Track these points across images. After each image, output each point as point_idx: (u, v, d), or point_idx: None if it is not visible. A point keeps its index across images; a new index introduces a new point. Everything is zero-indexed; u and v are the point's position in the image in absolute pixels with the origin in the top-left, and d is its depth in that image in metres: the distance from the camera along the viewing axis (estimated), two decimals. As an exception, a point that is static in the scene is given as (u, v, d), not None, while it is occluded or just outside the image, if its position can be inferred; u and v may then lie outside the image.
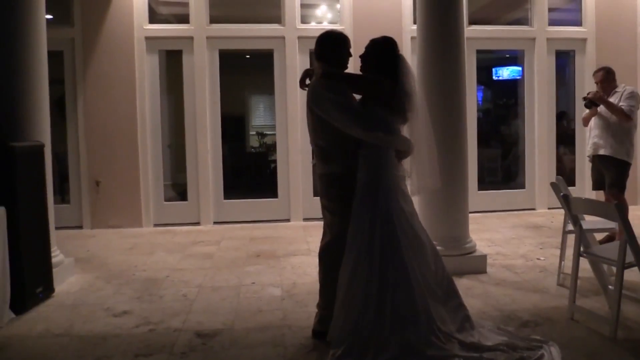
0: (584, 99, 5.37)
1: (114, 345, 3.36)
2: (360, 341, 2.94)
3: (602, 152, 5.29)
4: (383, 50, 3.26)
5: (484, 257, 4.77)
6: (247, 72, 10.12)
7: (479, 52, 7.86)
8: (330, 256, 3.26)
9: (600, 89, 5.39)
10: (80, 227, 7.05)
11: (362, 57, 3.30)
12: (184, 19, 7.20)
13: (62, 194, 7.41)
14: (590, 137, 5.44)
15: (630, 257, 3.23)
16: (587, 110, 5.53)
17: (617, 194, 5.19)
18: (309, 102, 3.26)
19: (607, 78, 5.39)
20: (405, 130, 3.28)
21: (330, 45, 3.31)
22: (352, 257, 3.08)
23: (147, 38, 7.10)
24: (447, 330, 3.03)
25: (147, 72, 7.14)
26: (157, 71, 7.28)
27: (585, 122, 5.60)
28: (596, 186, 5.53)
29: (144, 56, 7.10)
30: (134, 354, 3.21)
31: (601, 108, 5.29)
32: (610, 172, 5.25)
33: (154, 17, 7.22)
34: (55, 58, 7.07)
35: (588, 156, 5.56)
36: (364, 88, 3.30)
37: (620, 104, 5.19)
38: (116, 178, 7.05)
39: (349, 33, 6.28)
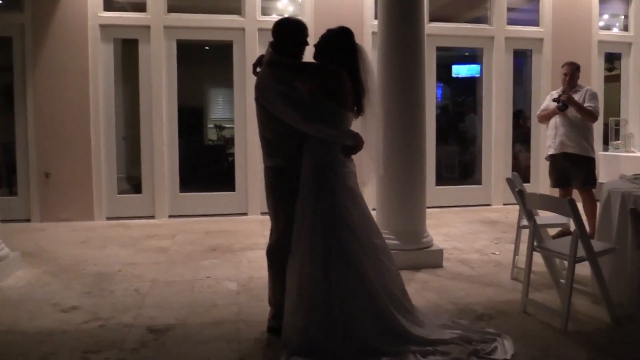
0: (558, 101, 5.41)
1: (61, 341, 3.23)
2: (312, 341, 2.89)
3: (570, 150, 5.40)
4: (339, 40, 3.15)
5: (440, 252, 4.81)
6: (206, 63, 9.97)
7: (439, 49, 7.93)
8: (277, 255, 3.18)
9: (567, 83, 5.50)
10: (29, 220, 6.79)
11: (317, 45, 3.18)
12: (140, 7, 7.00)
13: (10, 185, 7.14)
14: (555, 136, 5.50)
15: (581, 252, 3.30)
16: (543, 108, 5.64)
17: (590, 190, 5.38)
18: (255, 91, 3.14)
19: (575, 74, 5.55)
20: (358, 125, 3.18)
21: (284, 33, 3.17)
22: (297, 256, 3.01)
23: (101, 26, 6.87)
24: (401, 326, 3.01)
25: (101, 61, 6.92)
26: (111, 60, 7.07)
27: (543, 119, 5.71)
28: (558, 184, 5.61)
29: (98, 45, 6.87)
30: (82, 351, 3.09)
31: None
32: (581, 171, 5.38)
33: (109, 5, 6.99)
34: (3, 45, 6.80)
35: (551, 155, 5.60)
36: (310, 77, 3.14)
37: (587, 104, 5.35)
38: (67, 170, 6.81)
39: (309, 26, 6.23)
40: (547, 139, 5.69)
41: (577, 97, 5.40)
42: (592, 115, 5.35)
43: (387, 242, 3.34)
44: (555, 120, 5.52)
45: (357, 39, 3.21)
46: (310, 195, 3.03)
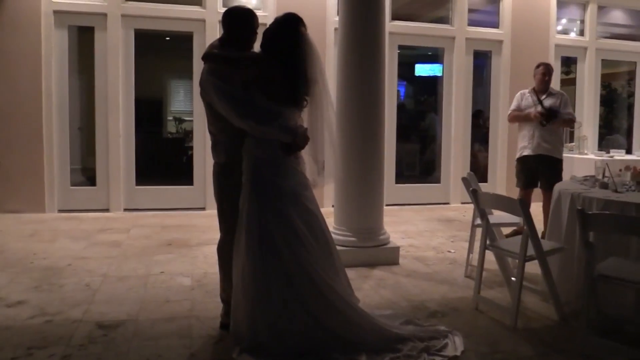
0: (544, 120, 5.40)
1: (4, 337, 3.12)
2: (259, 338, 2.86)
3: (546, 152, 5.50)
4: (282, 27, 3.01)
5: (396, 249, 4.84)
6: (166, 54, 9.77)
7: (402, 48, 7.99)
8: (224, 250, 3.16)
9: (541, 83, 5.59)
10: (-24, 212, 6.56)
11: (263, 34, 3.06)
12: (97, -7, 6.81)
13: (-43, 175, 6.85)
14: (532, 137, 5.50)
15: (532, 251, 3.36)
16: (514, 108, 5.70)
17: None
18: (199, 86, 3.10)
19: (551, 76, 5.67)
20: (304, 119, 3.07)
21: (230, 22, 3.10)
22: (239, 254, 2.97)
23: (55, 12, 6.66)
24: (353, 320, 2.98)
25: (54, 48, 6.71)
26: (66, 48, 6.86)
27: (515, 120, 5.73)
28: (528, 185, 5.64)
29: (52, 31, 6.66)
30: (27, 347, 2.99)
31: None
32: (551, 172, 5.45)
33: (65, -10, 6.78)
34: (-51, 28, 6.52)
35: (525, 155, 5.58)
36: (244, 70, 2.99)
37: (565, 111, 5.52)
38: (17, 160, 6.59)
39: (271, 20, 6.19)
40: (520, 139, 5.66)
41: (551, 100, 5.51)
42: (572, 123, 5.72)
43: (334, 240, 3.27)
44: (530, 123, 5.53)
45: (319, 35, 3.15)
46: (245, 192, 2.98)
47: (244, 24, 3.10)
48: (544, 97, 5.57)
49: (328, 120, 3.09)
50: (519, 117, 5.68)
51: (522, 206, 3.30)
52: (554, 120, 5.42)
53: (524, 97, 5.69)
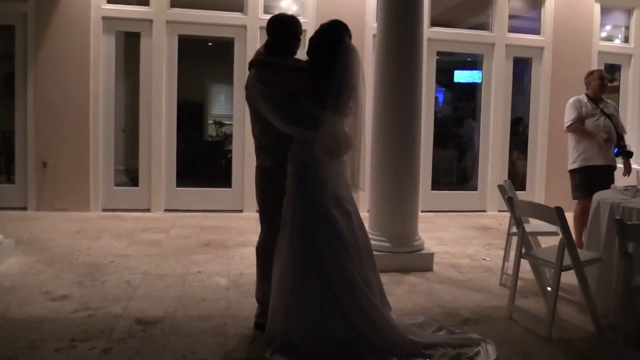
0: (622, 152, 5.37)
1: (50, 329, 3.26)
2: (293, 340, 2.91)
3: (613, 163, 5.43)
4: (327, 35, 3.04)
5: (431, 255, 4.83)
6: (208, 59, 9.98)
7: (441, 54, 7.97)
8: (265, 252, 3.22)
9: (600, 90, 5.44)
10: (25, 209, 6.83)
11: (310, 41, 3.12)
12: (143, 0, 7.03)
13: (8, 173, 7.18)
14: (601, 147, 5.31)
15: (568, 260, 3.33)
16: (574, 119, 5.38)
17: None
18: (245, 91, 3.17)
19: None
20: (346, 125, 3.07)
21: (275, 29, 3.17)
22: (281, 255, 3.02)
23: (104, 18, 6.91)
24: (388, 328, 3.02)
25: (102, 53, 6.95)
26: (113, 53, 7.10)
27: (577, 133, 5.41)
28: (592, 194, 5.36)
29: (100, 36, 6.91)
30: (70, 339, 3.13)
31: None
32: (608, 180, 5.22)
33: (112, -3, 7.03)
34: (6, 33, 6.83)
35: (591, 165, 5.36)
36: (291, 77, 3.08)
37: (621, 124, 5.50)
38: (65, 160, 6.85)
39: (311, 26, 6.27)
40: (586, 149, 5.36)
41: (610, 109, 5.45)
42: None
43: (372, 247, 3.31)
44: (600, 131, 5.34)
45: (358, 41, 3.14)
46: (290, 194, 3.03)
47: (288, 31, 3.18)
48: (602, 104, 5.40)
49: (361, 129, 3.11)
50: (583, 132, 5.37)
51: (558, 214, 3.26)
52: (626, 159, 5.36)
53: (582, 105, 5.42)
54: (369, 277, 3.09)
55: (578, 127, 5.40)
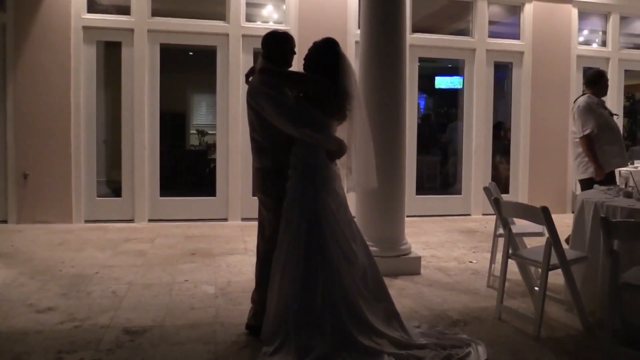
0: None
1: (35, 341, 3.21)
2: (291, 338, 2.92)
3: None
4: (322, 51, 3.27)
5: (418, 259, 4.85)
6: (189, 69, 9.95)
7: (422, 60, 8.03)
8: (269, 253, 3.23)
9: (601, 93, 5.31)
10: (5, 222, 6.72)
11: (305, 59, 3.33)
12: (124, 10, 6.99)
13: (-12, 186, 7.05)
14: (622, 151, 5.23)
15: (555, 260, 3.36)
16: (590, 129, 5.08)
17: None
18: (247, 96, 3.28)
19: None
20: (341, 130, 3.28)
21: (272, 44, 3.35)
22: (281, 255, 3.09)
23: (84, 27, 6.86)
24: (378, 328, 3.05)
25: (83, 63, 6.89)
26: (94, 63, 7.04)
27: (589, 151, 5.14)
28: None
29: (81, 46, 6.84)
30: (57, 351, 3.08)
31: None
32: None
33: (92, 7, 6.97)
34: (-17, 44, 6.74)
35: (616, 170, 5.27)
36: (298, 85, 3.31)
37: None
38: (46, 171, 6.75)
39: (294, 34, 6.26)
40: (612, 154, 5.15)
41: (609, 109, 5.40)
42: None
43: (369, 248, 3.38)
44: (620, 135, 5.32)
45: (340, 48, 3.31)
46: (296, 194, 3.12)
47: (284, 45, 3.35)
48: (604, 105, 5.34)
49: (365, 133, 3.31)
50: (591, 150, 5.10)
51: (545, 214, 3.30)
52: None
53: (595, 108, 5.18)
54: (371, 277, 3.22)
55: (591, 143, 5.11)
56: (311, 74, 3.28)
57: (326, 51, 3.26)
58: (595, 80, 5.36)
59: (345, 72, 3.21)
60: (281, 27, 6.86)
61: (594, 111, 5.16)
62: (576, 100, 5.48)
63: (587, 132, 5.11)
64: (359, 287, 3.10)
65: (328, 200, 3.13)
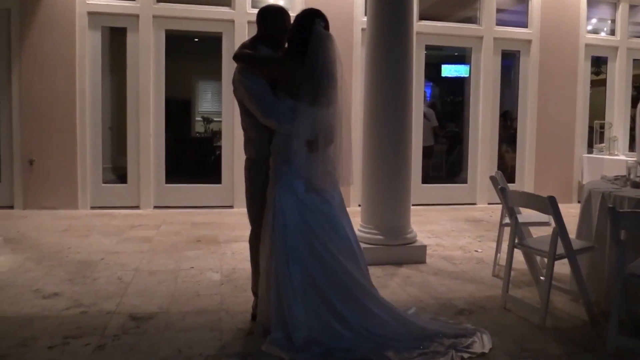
0: None
1: (41, 327, 3.22)
2: (286, 329, 2.91)
3: None
4: (299, 22, 3.02)
5: (423, 248, 4.84)
6: (195, 55, 9.92)
7: (429, 48, 7.97)
8: (254, 244, 3.25)
9: None
10: (12, 207, 6.75)
11: (288, 31, 3.12)
12: (130, -5, 6.96)
13: (-6, 172, 7.08)
14: None
15: (561, 250, 3.35)
16: None
17: None
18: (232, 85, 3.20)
19: None
20: (327, 117, 2.98)
21: (263, 21, 3.17)
22: (266, 245, 3.04)
23: (89, 13, 6.83)
24: (380, 320, 3.03)
25: (88, 49, 6.87)
26: (99, 49, 7.02)
27: None
28: None
29: (86, 32, 6.82)
30: (63, 336, 3.09)
31: None
32: None
33: (98, -8, 6.94)
34: (-11, 29, 6.73)
35: None
36: (267, 70, 3.06)
37: None
38: (51, 158, 6.77)
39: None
40: None
41: None
42: None
43: (365, 240, 3.29)
44: None
45: (347, 35, 3.16)
46: (272, 186, 3.04)
47: (277, 22, 3.16)
48: None
49: (346, 121, 3.07)
50: None
51: (552, 203, 3.28)
52: None
53: None
54: (355, 265, 3.09)
55: None
56: (290, 50, 3.06)
57: (301, 23, 3.00)
58: None
59: (322, 47, 2.90)
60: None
61: None
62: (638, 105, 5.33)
63: None
64: (351, 278, 3.01)
65: (304, 194, 2.97)
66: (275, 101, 2.99)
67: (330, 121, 2.99)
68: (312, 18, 2.98)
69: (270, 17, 3.18)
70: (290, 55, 3.06)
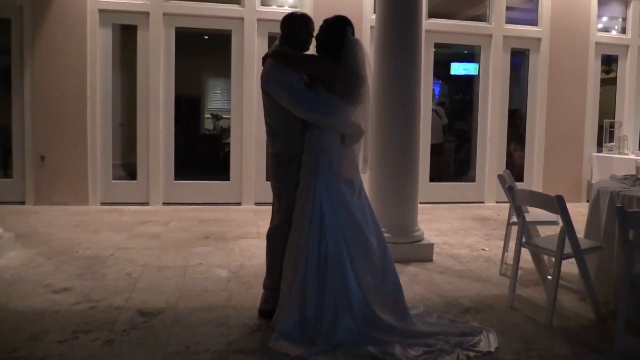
0: None
1: (52, 321, 3.26)
2: (303, 326, 2.95)
3: None
4: (331, 30, 3.22)
5: (430, 246, 4.85)
6: (205, 53, 9.95)
7: (438, 46, 7.96)
8: (277, 238, 3.28)
9: None
10: (23, 203, 6.82)
11: (316, 38, 3.29)
12: (140, -7, 7.00)
13: (5, 168, 7.16)
14: None
15: (568, 249, 3.34)
16: None
17: None
18: (261, 80, 3.27)
19: None
20: (356, 114, 3.22)
21: (291, 27, 3.30)
22: (294, 241, 3.09)
23: (100, 11, 6.88)
24: (387, 319, 3.06)
25: (99, 46, 6.92)
26: (110, 46, 7.07)
27: None
28: None
29: (97, 29, 6.87)
30: (73, 330, 3.13)
31: None
32: None
33: (109, -10, 6.98)
34: (1, 26, 6.79)
35: None
36: (308, 68, 3.26)
37: None
38: (63, 154, 6.83)
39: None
40: None
41: None
42: None
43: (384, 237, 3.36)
44: None
45: (356, 33, 3.26)
46: (307, 182, 3.11)
47: (302, 27, 3.30)
48: None
49: (370, 114, 3.27)
50: None
51: (559, 203, 3.27)
52: None
53: None
54: (384, 266, 3.21)
55: None
56: (322, 55, 3.23)
57: (334, 30, 3.20)
58: None
59: (354, 53, 3.12)
60: (296, 11, 6.81)
61: None
62: None
63: None
64: (369, 279, 3.10)
65: (340, 186, 3.11)
66: (317, 96, 3.13)
67: (362, 117, 3.21)
68: (345, 27, 3.18)
69: (296, 22, 3.31)
70: (331, 58, 3.20)
